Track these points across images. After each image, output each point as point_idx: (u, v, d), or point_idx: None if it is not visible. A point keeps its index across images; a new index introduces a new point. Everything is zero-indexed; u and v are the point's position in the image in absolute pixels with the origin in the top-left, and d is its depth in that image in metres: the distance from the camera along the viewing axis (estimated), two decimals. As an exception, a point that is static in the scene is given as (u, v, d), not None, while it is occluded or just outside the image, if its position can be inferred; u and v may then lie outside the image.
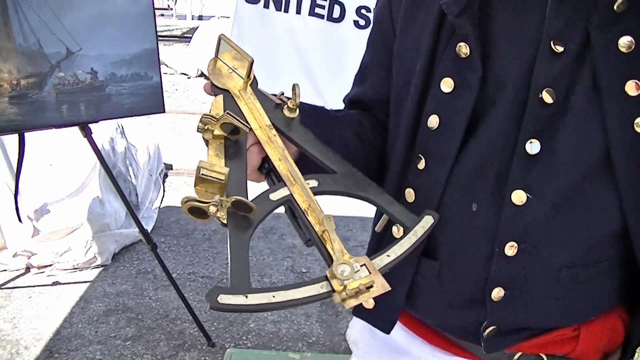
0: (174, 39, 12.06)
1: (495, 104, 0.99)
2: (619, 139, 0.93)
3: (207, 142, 0.94)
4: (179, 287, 3.31)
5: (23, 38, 2.53)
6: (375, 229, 1.15)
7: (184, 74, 9.97)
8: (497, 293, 1.04)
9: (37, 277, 3.94)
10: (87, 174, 4.13)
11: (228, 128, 0.93)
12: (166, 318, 3.58)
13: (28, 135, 2.67)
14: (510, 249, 1.00)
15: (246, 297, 0.79)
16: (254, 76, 1.06)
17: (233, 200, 0.85)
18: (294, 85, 1.00)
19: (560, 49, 0.93)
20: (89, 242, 4.00)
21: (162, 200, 5.26)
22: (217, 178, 0.85)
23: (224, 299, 0.78)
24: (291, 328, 3.55)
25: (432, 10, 1.05)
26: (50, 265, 3.97)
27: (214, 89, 1.03)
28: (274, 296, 0.80)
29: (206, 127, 0.93)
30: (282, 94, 1.04)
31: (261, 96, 1.04)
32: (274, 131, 1.00)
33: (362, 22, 3.25)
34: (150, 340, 3.38)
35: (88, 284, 3.89)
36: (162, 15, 16.29)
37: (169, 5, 16.77)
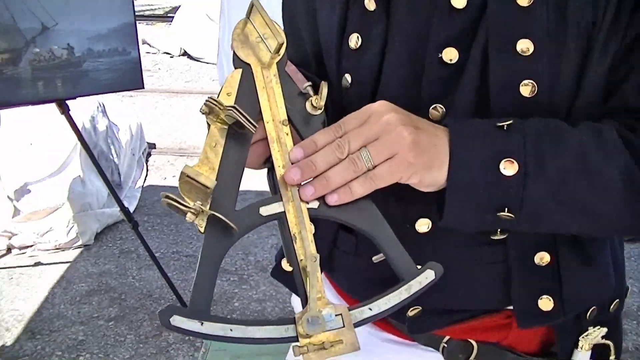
0: (156, 18, 11.88)
1: (397, 61, 0.96)
2: (501, 105, 0.88)
3: (209, 126, 0.82)
4: (163, 266, 3.27)
5: (-4, 13, 2.47)
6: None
7: (167, 53, 9.83)
8: None
9: (18, 258, 3.89)
10: (68, 153, 4.06)
11: (233, 120, 0.80)
12: (150, 298, 3.55)
13: (7, 115, 2.62)
14: (423, 226, 0.98)
15: (202, 324, 0.75)
16: (285, 54, 0.88)
17: (211, 214, 0.76)
18: (322, 82, 0.86)
19: (462, 3, 0.88)
20: (71, 222, 3.94)
21: (145, 179, 5.20)
22: (202, 185, 0.77)
23: (177, 321, 0.74)
24: (276, 306, 3.53)
25: None
26: (32, 245, 3.92)
27: (235, 60, 0.87)
28: (231, 329, 0.75)
29: (209, 112, 0.81)
30: (310, 85, 0.88)
31: (286, 79, 0.87)
32: (286, 129, 0.85)
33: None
34: (134, 320, 3.34)
35: (70, 264, 3.85)
36: (145, -7, 16.14)
37: (151, -16, 16.61)
